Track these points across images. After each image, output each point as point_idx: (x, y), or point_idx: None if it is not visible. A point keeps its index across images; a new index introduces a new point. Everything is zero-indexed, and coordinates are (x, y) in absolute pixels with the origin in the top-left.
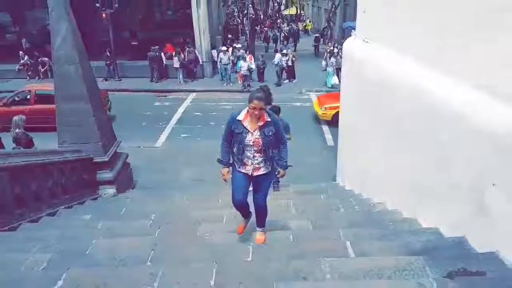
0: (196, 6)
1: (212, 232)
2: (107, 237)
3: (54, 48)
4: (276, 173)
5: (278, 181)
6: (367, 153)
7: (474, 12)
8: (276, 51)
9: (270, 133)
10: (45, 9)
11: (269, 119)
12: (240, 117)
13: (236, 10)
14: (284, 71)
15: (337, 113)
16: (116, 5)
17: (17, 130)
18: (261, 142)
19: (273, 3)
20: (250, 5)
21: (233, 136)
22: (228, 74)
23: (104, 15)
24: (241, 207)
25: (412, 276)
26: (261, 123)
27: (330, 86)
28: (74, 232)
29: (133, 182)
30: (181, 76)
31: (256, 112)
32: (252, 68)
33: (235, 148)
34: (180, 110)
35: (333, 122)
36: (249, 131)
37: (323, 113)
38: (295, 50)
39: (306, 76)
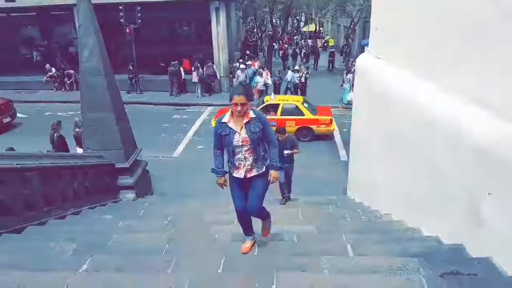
0: (216, 23)
1: (222, 232)
2: (127, 233)
3: (81, 60)
4: (269, 179)
5: (289, 198)
6: (374, 166)
7: (465, 33)
8: (288, 68)
9: (257, 129)
10: (71, 24)
11: (254, 115)
12: (225, 119)
13: (255, 26)
14: (297, 88)
15: None
16: (140, 21)
17: (77, 129)
18: (249, 140)
19: (292, 20)
20: (269, 22)
21: (222, 141)
22: None
23: (128, 30)
24: (244, 215)
25: (406, 274)
26: (246, 120)
27: (346, 102)
28: (96, 228)
29: (151, 188)
30: (199, 90)
31: (239, 108)
32: (268, 84)
33: (226, 152)
34: (197, 123)
35: None
36: (235, 131)
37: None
38: (315, 68)
39: (322, 92)
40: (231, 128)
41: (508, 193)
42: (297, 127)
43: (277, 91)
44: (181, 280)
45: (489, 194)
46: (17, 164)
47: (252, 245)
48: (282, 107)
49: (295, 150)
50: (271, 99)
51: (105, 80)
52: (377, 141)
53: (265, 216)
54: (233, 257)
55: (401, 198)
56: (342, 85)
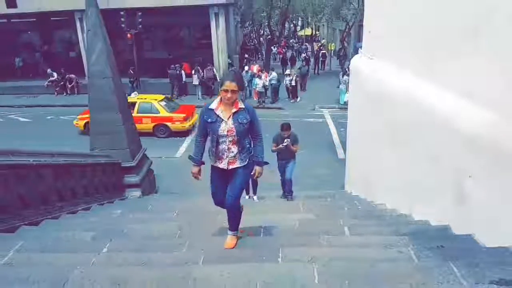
0: (215, 27)
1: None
2: (139, 223)
3: (89, 63)
4: (252, 172)
5: (291, 193)
6: (369, 160)
7: (453, 33)
8: (273, 70)
9: (245, 120)
10: (71, 30)
11: (243, 106)
12: (213, 106)
13: (254, 30)
14: (288, 90)
15: (87, 123)
16: (140, 26)
17: None
18: (235, 131)
19: (289, 24)
20: (267, 26)
21: (207, 128)
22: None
23: (129, 35)
24: (222, 206)
25: (396, 248)
26: (234, 110)
27: (342, 103)
28: (109, 220)
29: (156, 187)
30: (199, 92)
31: (229, 95)
32: (267, 86)
33: (209, 141)
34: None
35: (85, 131)
36: (222, 119)
37: (76, 123)
38: (316, 72)
39: (320, 94)
40: (218, 116)
41: (488, 175)
42: (153, 124)
43: (275, 94)
44: (196, 257)
45: (469, 176)
46: (33, 161)
47: (236, 242)
48: (139, 105)
49: (295, 146)
50: (131, 97)
51: (111, 82)
52: (371, 136)
53: (236, 217)
54: (242, 239)
55: (394, 188)
56: (338, 87)
